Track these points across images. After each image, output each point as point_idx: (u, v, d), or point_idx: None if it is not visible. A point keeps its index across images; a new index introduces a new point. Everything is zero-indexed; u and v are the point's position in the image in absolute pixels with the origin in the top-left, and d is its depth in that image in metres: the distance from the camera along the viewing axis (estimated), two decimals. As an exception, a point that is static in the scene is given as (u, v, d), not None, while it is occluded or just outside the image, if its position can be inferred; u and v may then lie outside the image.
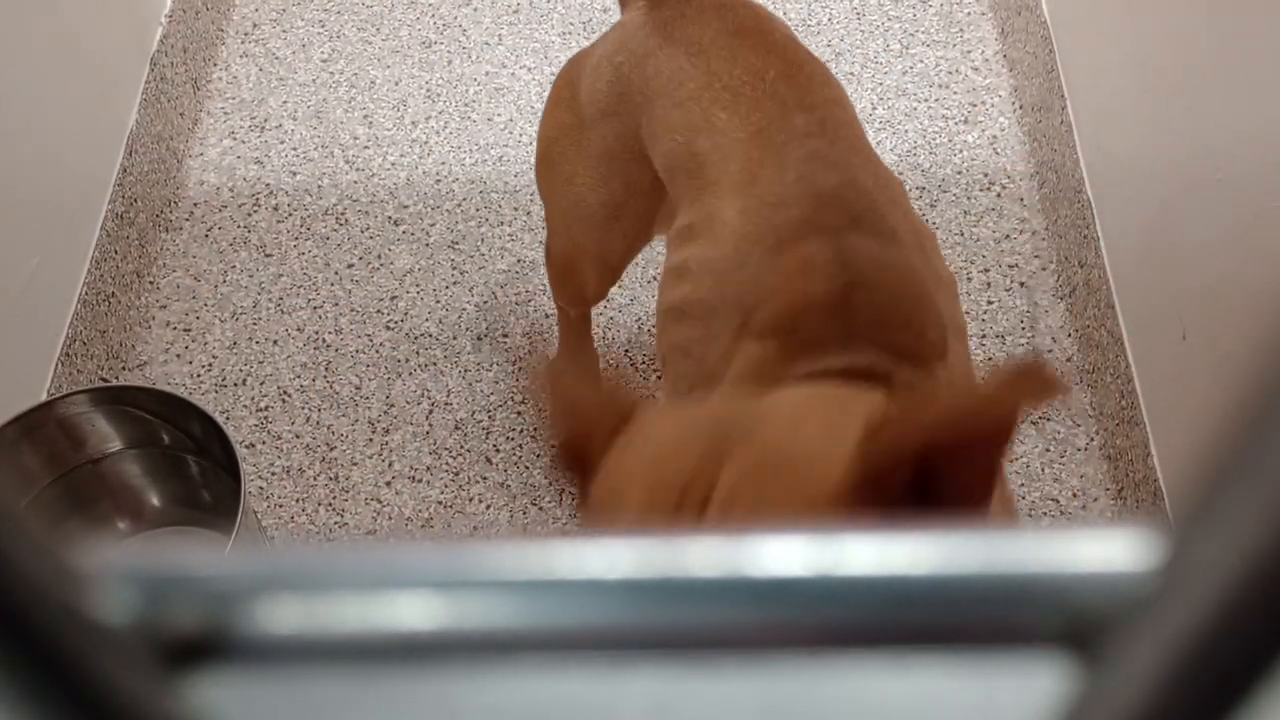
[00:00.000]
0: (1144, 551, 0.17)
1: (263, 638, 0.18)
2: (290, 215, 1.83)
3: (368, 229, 1.81)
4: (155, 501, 1.44)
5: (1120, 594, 0.17)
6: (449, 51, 2.03)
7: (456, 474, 1.57)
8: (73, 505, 1.38)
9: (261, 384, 1.66)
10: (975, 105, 1.93)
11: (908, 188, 1.82)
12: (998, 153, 1.87)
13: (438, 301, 1.73)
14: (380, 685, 0.18)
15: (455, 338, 1.69)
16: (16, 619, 0.14)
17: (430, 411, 1.62)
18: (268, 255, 1.79)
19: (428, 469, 1.58)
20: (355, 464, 1.58)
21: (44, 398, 1.45)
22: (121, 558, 0.17)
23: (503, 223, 1.81)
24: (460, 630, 0.18)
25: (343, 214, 1.83)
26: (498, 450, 1.59)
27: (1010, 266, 1.75)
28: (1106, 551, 0.18)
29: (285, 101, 1.97)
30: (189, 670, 0.18)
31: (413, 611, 0.18)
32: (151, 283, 1.77)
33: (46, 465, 1.34)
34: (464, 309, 1.72)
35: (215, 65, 2.03)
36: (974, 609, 0.17)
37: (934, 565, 0.17)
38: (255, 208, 1.84)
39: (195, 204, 1.85)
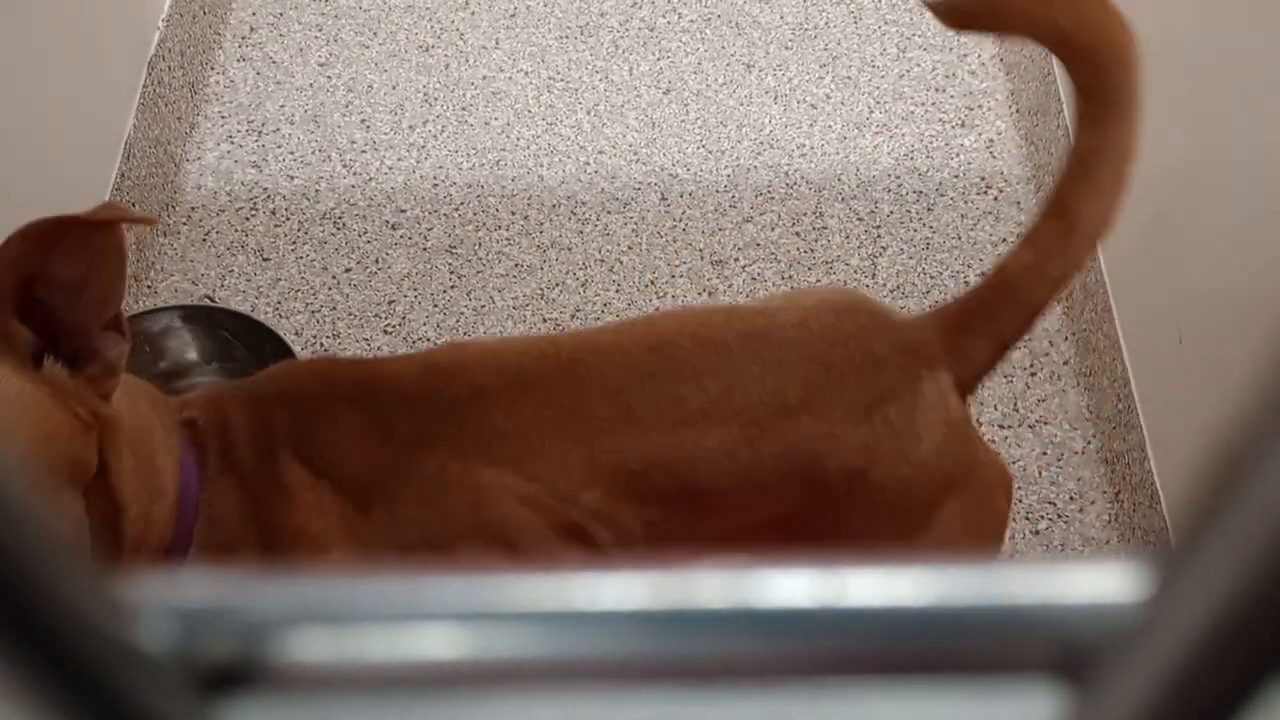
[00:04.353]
0: (1133, 585, 0.18)
1: (293, 667, 0.19)
2: (288, 219, 1.84)
3: (365, 233, 1.81)
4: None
5: (1110, 625, 0.18)
6: (446, 55, 2.04)
7: (455, 477, 1.58)
8: None
9: (260, 388, 1.66)
10: (972, 109, 1.94)
11: (905, 191, 1.83)
12: (994, 156, 1.88)
13: (435, 306, 1.73)
14: (405, 712, 0.19)
15: (452, 342, 1.70)
16: (65, 649, 0.14)
17: (429, 415, 1.63)
18: (265, 259, 1.79)
19: (426, 473, 1.58)
20: (354, 468, 1.59)
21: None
22: (161, 591, 0.18)
23: (500, 227, 1.81)
24: (482, 660, 0.18)
25: (340, 218, 1.83)
26: (496, 454, 1.59)
27: (1006, 270, 1.76)
28: (1097, 584, 0.19)
29: (283, 105, 1.98)
30: (223, 698, 0.19)
31: (436, 642, 0.18)
32: (149, 287, 1.77)
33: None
34: (462, 313, 1.73)
35: (212, 69, 2.04)
36: (971, 639, 0.18)
37: (933, 597, 0.18)
38: (253, 212, 1.85)
39: (193, 208, 1.86)
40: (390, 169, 1.89)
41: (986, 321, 0.94)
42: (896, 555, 0.98)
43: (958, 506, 0.93)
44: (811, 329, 0.92)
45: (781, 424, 0.89)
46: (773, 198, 1.83)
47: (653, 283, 1.75)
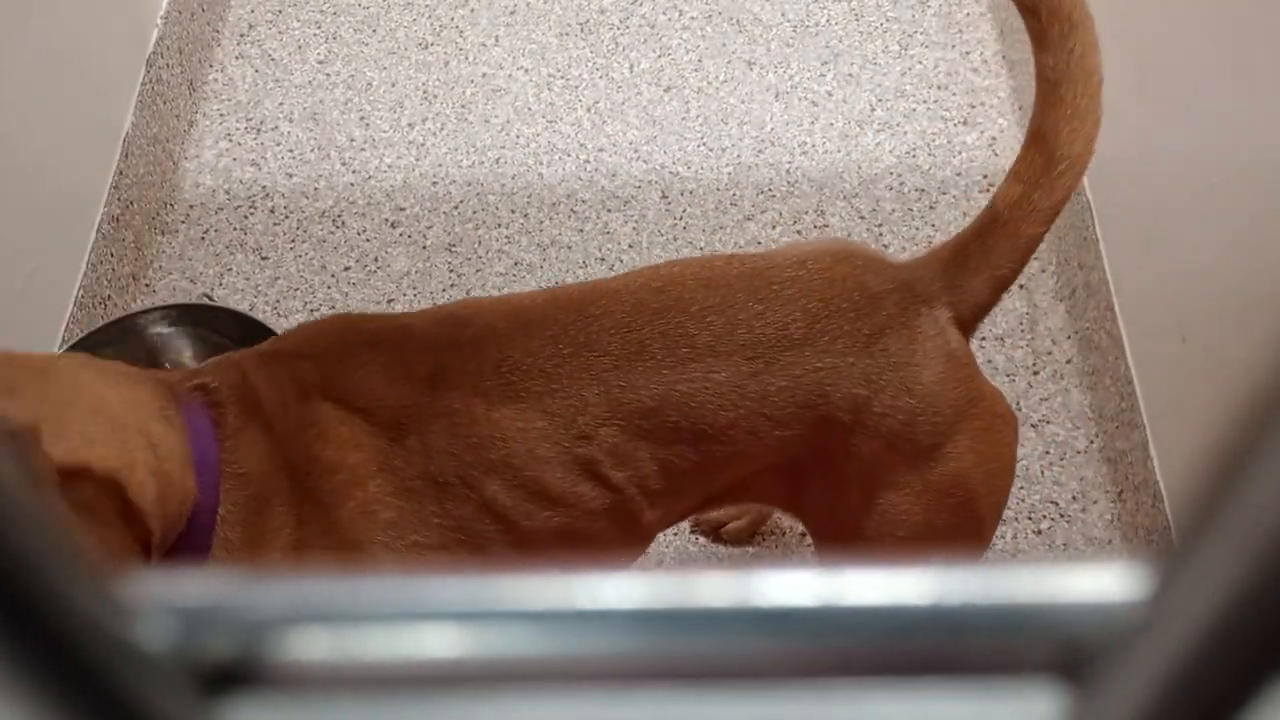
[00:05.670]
0: (1132, 585, 0.18)
1: (293, 666, 0.19)
2: (287, 218, 1.84)
3: (364, 231, 1.81)
4: None
5: (1110, 625, 0.18)
6: (446, 53, 2.03)
7: (455, 475, 1.58)
8: None
9: (260, 386, 1.66)
10: (974, 106, 1.93)
11: (907, 189, 1.83)
12: (997, 154, 1.88)
13: (435, 304, 1.73)
14: (404, 711, 0.19)
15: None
16: (65, 648, 0.14)
17: (429, 413, 1.63)
18: (264, 258, 1.79)
19: (426, 471, 1.58)
20: (354, 466, 1.59)
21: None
22: (163, 590, 0.18)
23: (499, 225, 1.81)
24: (482, 659, 0.18)
25: (339, 216, 1.83)
26: (496, 452, 1.59)
27: (1006, 268, 1.76)
28: (1097, 584, 0.19)
29: (281, 103, 1.98)
30: (224, 696, 0.19)
31: (436, 641, 0.18)
32: (148, 285, 1.77)
33: None
34: (462, 311, 1.73)
35: (211, 67, 2.04)
36: (971, 638, 0.18)
37: (933, 597, 0.18)
38: (251, 210, 1.85)
39: (191, 206, 1.86)
40: (389, 167, 1.89)
41: (981, 257, 0.96)
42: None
43: (967, 439, 0.94)
44: (809, 269, 0.95)
45: (785, 357, 0.92)
46: (774, 195, 1.83)
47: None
